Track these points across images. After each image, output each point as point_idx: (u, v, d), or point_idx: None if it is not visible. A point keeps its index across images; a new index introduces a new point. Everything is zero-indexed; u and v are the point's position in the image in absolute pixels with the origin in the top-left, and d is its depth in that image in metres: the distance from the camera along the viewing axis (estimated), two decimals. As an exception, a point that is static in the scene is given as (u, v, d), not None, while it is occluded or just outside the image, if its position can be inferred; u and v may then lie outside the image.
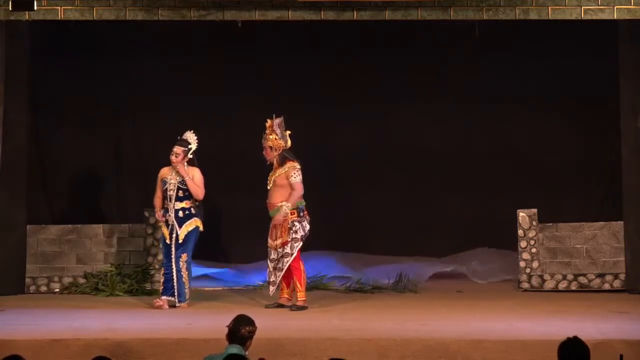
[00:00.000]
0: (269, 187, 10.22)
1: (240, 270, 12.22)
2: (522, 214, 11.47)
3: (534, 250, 11.45)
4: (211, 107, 12.25)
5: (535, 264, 11.45)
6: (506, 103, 12.30)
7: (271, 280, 10.15)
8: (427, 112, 12.41)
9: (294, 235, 10.06)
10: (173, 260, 10.14)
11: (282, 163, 10.18)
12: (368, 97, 12.33)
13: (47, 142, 11.98)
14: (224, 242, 12.63)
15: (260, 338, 7.40)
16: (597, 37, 11.43)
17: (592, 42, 11.60)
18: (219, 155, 12.21)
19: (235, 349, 5.99)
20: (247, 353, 6.12)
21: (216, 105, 12.28)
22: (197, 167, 10.36)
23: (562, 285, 11.44)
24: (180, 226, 10.17)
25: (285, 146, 10.22)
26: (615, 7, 10.05)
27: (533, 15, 10.13)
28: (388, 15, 10.14)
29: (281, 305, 10.14)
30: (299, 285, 10.05)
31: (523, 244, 11.47)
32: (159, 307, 10.05)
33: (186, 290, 10.18)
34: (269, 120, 10.24)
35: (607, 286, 11.38)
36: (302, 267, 10.10)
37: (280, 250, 10.08)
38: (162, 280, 10.23)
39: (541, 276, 11.45)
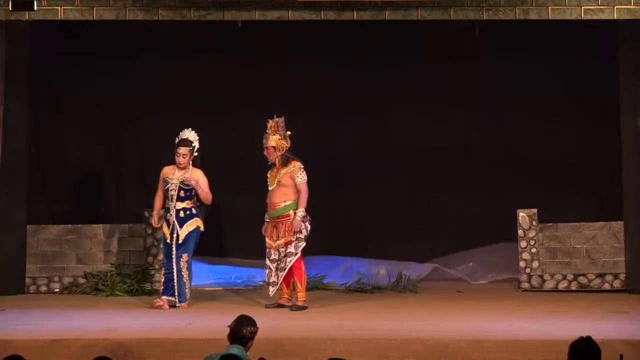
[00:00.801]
0: (270, 188, 10.19)
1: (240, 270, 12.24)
2: (522, 214, 11.48)
3: (534, 250, 11.45)
4: (211, 107, 12.25)
5: (535, 264, 11.45)
6: (506, 103, 12.30)
7: (271, 280, 10.13)
8: (427, 112, 12.41)
9: (298, 235, 10.05)
10: (174, 260, 10.14)
11: (285, 163, 10.16)
12: (368, 97, 12.33)
13: (47, 142, 11.98)
14: (225, 242, 12.61)
15: (261, 338, 7.39)
16: (597, 37, 11.43)
17: (592, 42, 11.61)
18: (219, 155, 12.21)
19: (236, 349, 5.98)
20: (248, 353, 6.12)
21: (216, 105, 12.28)
22: (199, 167, 10.35)
23: (562, 285, 11.44)
24: (181, 226, 10.17)
25: (288, 146, 10.22)
26: (615, 7, 10.05)
27: (533, 15, 10.13)
28: (388, 15, 10.14)
29: (281, 305, 10.13)
30: (299, 285, 10.05)
31: (523, 244, 11.47)
32: (159, 307, 10.04)
33: (187, 290, 10.18)
34: (270, 121, 10.22)
35: (607, 286, 11.39)
36: (303, 267, 10.10)
37: (283, 250, 10.07)
38: (162, 280, 10.23)
39: (541, 276, 11.45)
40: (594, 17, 10.12)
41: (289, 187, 10.11)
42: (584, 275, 11.43)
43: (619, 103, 11.24)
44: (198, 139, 10.38)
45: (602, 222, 11.49)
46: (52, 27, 10.98)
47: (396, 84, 12.31)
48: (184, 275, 10.17)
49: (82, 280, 11.38)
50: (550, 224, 11.51)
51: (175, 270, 10.13)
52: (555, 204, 11.96)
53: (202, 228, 10.26)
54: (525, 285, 11.45)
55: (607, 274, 11.40)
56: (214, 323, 8.35)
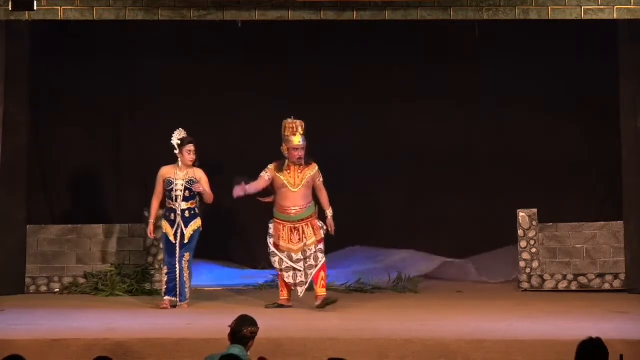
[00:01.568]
0: (294, 190, 9.99)
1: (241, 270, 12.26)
2: (522, 214, 11.48)
3: (534, 250, 11.45)
4: (211, 107, 12.26)
5: (535, 264, 11.45)
6: (506, 103, 12.30)
7: (299, 281, 9.98)
8: (427, 112, 12.41)
9: (323, 234, 10.06)
10: (177, 259, 10.14)
11: (307, 164, 10.08)
12: (368, 97, 12.34)
13: (47, 142, 11.97)
14: (225, 241, 12.62)
15: (260, 338, 7.39)
16: (597, 37, 11.43)
17: (592, 42, 11.61)
18: (219, 155, 12.22)
19: (236, 350, 5.98)
20: (248, 353, 6.12)
21: (216, 105, 12.28)
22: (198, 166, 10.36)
23: (562, 285, 11.44)
24: (186, 226, 10.17)
25: None
26: (615, 7, 10.05)
27: (533, 15, 10.13)
28: (388, 15, 10.14)
29: (281, 306, 10.11)
30: (324, 282, 10.05)
31: (523, 244, 11.47)
32: (165, 309, 10.06)
33: (187, 290, 10.19)
34: (296, 121, 10.06)
35: (607, 286, 11.39)
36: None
37: (311, 249, 9.96)
38: (164, 280, 10.21)
39: (541, 276, 11.46)
40: (594, 17, 10.12)
41: (309, 188, 10.05)
42: (584, 275, 11.43)
43: (619, 103, 11.24)
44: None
45: (602, 222, 11.49)
46: (52, 27, 10.98)
47: (396, 84, 12.32)
48: (185, 275, 10.18)
49: (82, 280, 11.38)
50: (550, 224, 11.51)
51: (178, 270, 10.13)
52: (555, 204, 11.96)
53: (201, 227, 10.27)
54: (525, 285, 11.46)
55: (607, 274, 11.40)
56: (214, 323, 8.35)
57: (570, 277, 11.44)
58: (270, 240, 10.08)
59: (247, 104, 12.21)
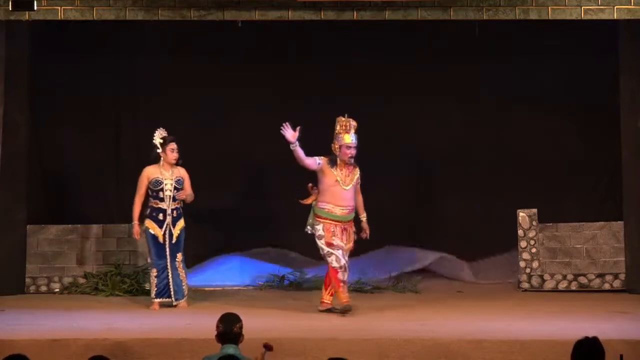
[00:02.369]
0: (346, 188, 9.79)
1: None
2: (522, 214, 11.48)
3: (534, 250, 11.45)
4: (211, 107, 12.25)
5: (535, 264, 11.45)
6: (506, 103, 12.30)
7: (345, 279, 9.77)
8: (427, 112, 12.41)
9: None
10: (168, 260, 10.13)
11: (355, 165, 9.92)
12: (368, 97, 12.33)
13: (47, 142, 11.98)
14: (226, 240, 12.61)
15: (260, 338, 7.39)
16: (597, 37, 11.44)
17: (592, 42, 11.61)
18: (219, 155, 12.22)
19: (231, 349, 5.97)
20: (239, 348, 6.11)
21: (216, 105, 12.28)
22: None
23: (562, 285, 11.44)
24: (174, 226, 10.17)
25: None
26: (615, 7, 10.05)
27: (533, 15, 10.13)
28: (388, 15, 10.14)
29: (346, 309, 9.73)
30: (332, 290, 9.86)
31: (523, 244, 11.47)
32: (154, 310, 10.06)
33: (184, 287, 10.20)
34: (349, 119, 9.90)
35: (607, 286, 11.39)
36: None
37: (347, 253, 9.82)
38: (154, 282, 10.16)
39: (541, 276, 11.46)
40: (594, 17, 10.12)
41: (355, 189, 9.88)
42: (584, 275, 11.43)
43: (619, 103, 11.24)
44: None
45: (602, 222, 11.49)
46: (52, 27, 10.97)
47: (396, 84, 12.31)
48: (181, 274, 10.18)
49: (82, 280, 11.39)
50: (550, 224, 11.51)
51: (170, 270, 10.12)
52: (555, 204, 11.95)
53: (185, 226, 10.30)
54: (525, 285, 11.46)
55: (607, 274, 11.40)
56: (214, 323, 8.28)
57: (570, 277, 11.45)
58: (322, 241, 9.73)
59: (247, 104, 12.20)
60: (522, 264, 11.47)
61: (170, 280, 10.13)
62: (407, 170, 12.47)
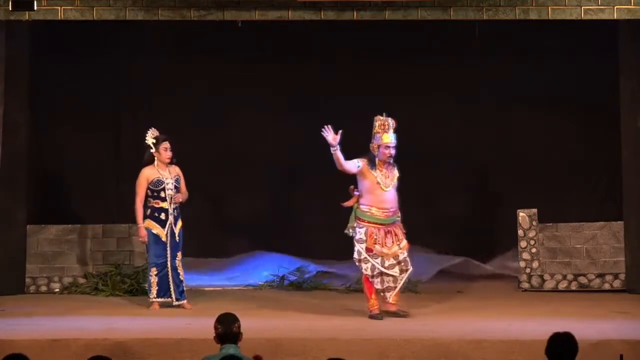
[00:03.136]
0: (387, 189, 9.55)
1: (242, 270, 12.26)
2: (522, 214, 11.47)
3: (534, 250, 11.45)
4: (211, 107, 12.26)
5: (535, 264, 11.45)
6: (506, 103, 12.30)
7: (386, 286, 9.43)
8: (427, 112, 12.41)
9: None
10: (169, 259, 10.13)
11: (394, 165, 9.72)
12: (368, 97, 12.31)
13: (47, 142, 11.98)
14: (226, 240, 12.62)
15: (260, 338, 7.42)
16: (597, 37, 11.44)
17: (592, 42, 11.61)
18: (219, 155, 12.23)
19: (232, 349, 5.97)
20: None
21: (216, 105, 12.28)
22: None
23: (562, 285, 11.44)
24: (175, 225, 10.18)
25: None
26: (615, 7, 10.04)
27: (533, 15, 10.13)
28: (388, 15, 10.14)
29: (376, 316, 9.50)
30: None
31: (523, 244, 11.47)
32: (155, 310, 10.07)
33: (184, 287, 10.21)
34: (388, 118, 9.73)
35: (607, 286, 11.39)
36: None
37: (404, 253, 9.51)
38: (154, 281, 10.13)
39: (541, 276, 11.45)
40: (594, 17, 10.11)
41: (395, 189, 9.64)
42: (584, 275, 11.43)
43: (619, 103, 11.24)
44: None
45: (602, 222, 11.48)
46: (52, 27, 10.97)
47: (396, 84, 12.31)
48: (181, 274, 10.19)
49: (82, 280, 11.39)
50: (550, 224, 11.51)
51: (170, 269, 10.12)
52: (555, 204, 11.95)
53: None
54: (525, 285, 11.45)
55: (607, 274, 11.40)
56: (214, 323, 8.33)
57: (570, 277, 11.44)
58: (362, 246, 9.46)
59: (247, 104, 12.21)
60: (522, 264, 11.47)
61: (170, 280, 10.13)
62: (407, 170, 12.44)
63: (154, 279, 10.15)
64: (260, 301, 10.56)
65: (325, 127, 9.35)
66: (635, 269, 11.15)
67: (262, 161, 12.35)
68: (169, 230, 10.15)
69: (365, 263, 9.45)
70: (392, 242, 9.49)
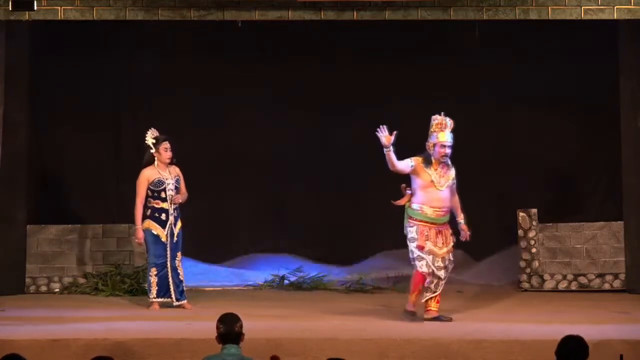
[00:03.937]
0: (441, 189, 9.39)
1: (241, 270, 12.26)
2: (522, 214, 11.48)
3: (534, 250, 11.45)
4: (211, 107, 12.25)
5: (535, 264, 11.45)
6: (506, 103, 12.30)
7: (430, 286, 9.29)
8: (426, 112, 12.37)
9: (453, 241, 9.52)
10: (168, 259, 10.13)
11: (450, 165, 9.58)
12: (368, 97, 12.33)
13: (47, 142, 11.97)
14: (226, 241, 12.62)
15: (260, 338, 7.41)
16: (597, 37, 11.43)
17: (592, 42, 11.61)
18: (219, 155, 12.22)
19: (233, 349, 5.97)
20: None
21: (216, 105, 12.28)
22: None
23: (562, 285, 11.44)
24: (175, 226, 10.18)
25: None
26: (615, 7, 10.04)
27: (533, 15, 10.13)
28: (388, 15, 10.14)
29: (413, 314, 9.41)
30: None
31: (523, 244, 11.47)
32: (155, 310, 10.07)
33: (184, 287, 10.21)
34: (446, 118, 9.64)
35: (607, 286, 11.39)
36: None
37: (450, 256, 9.41)
38: (154, 281, 10.13)
39: (541, 276, 11.46)
40: (594, 17, 10.11)
41: (450, 190, 9.50)
42: (584, 275, 11.43)
43: (619, 103, 11.25)
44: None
45: (602, 222, 11.49)
46: (52, 27, 10.97)
47: (396, 84, 12.31)
48: (180, 274, 10.19)
49: (82, 280, 11.39)
50: (550, 224, 11.51)
51: (170, 269, 10.12)
52: (555, 204, 11.95)
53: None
54: (525, 285, 11.46)
55: (607, 274, 11.40)
56: (214, 323, 8.30)
57: (570, 277, 11.45)
58: (414, 244, 9.34)
59: (247, 104, 12.20)
60: (522, 264, 11.48)
61: (170, 280, 10.13)
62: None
63: (153, 279, 10.15)
64: (260, 301, 10.56)
65: (380, 127, 9.28)
66: (635, 269, 11.16)
67: (262, 161, 12.34)
68: (168, 230, 10.14)
69: (420, 261, 9.30)
70: (443, 243, 9.38)
